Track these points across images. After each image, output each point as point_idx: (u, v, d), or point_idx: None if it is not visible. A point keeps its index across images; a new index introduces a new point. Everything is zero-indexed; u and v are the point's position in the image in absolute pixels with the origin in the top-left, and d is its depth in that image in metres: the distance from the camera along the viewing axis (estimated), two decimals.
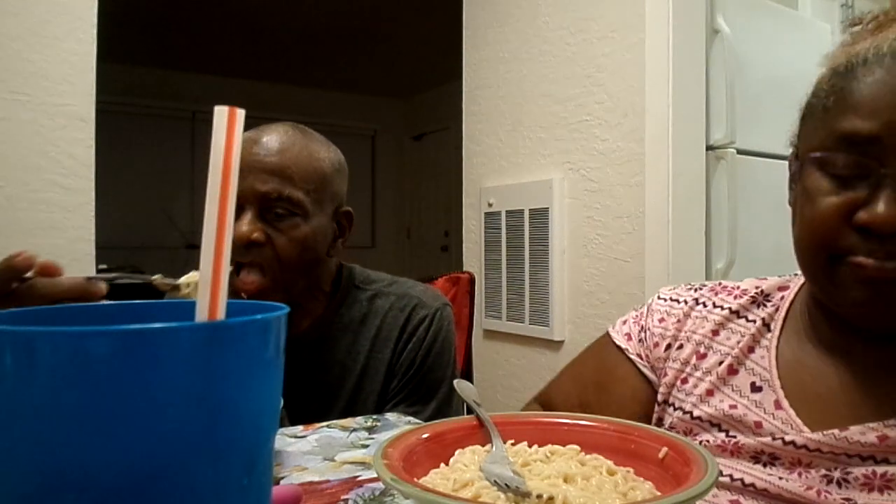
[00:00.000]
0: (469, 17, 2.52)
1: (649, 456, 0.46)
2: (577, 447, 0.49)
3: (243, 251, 0.87)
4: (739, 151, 1.88)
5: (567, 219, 2.09)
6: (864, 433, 0.55)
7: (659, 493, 0.42)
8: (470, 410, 0.55)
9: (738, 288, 0.73)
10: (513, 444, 0.50)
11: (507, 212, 2.28)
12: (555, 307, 2.09)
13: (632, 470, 0.46)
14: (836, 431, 0.56)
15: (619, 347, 0.77)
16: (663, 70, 1.80)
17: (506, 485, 0.40)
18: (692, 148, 1.85)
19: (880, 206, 0.51)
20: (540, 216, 2.14)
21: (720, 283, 0.75)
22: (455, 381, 0.63)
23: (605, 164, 1.97)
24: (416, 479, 0.41)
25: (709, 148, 1.90)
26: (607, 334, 0.80)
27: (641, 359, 0.75)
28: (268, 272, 0.89)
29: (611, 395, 0.75)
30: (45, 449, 0.24)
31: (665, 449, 0.46)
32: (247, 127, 0.32)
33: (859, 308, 0.55)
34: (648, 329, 0.75)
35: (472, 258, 2.47)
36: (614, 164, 1.94)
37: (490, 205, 2.35)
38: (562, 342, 2.11)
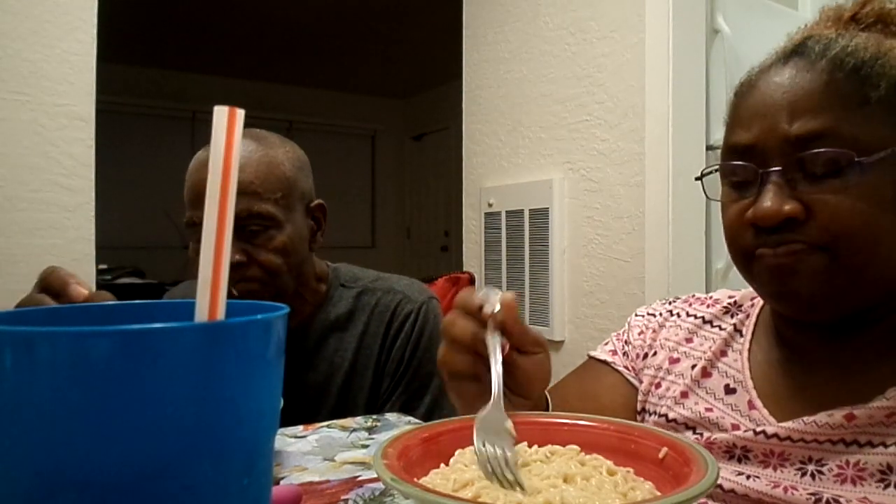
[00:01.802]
0: (469, 17, 2.52)
1: (649, 456, 0.46)
2: (576, 447, 0.49)
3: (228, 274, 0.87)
4: None
5: (567, 219, 2.09)
6: (832, 415, 0.56)
7: (659, 493, 0.42)
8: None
9: (711, 298, 0.76)
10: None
11: (507, 212, 2.28)
12: (555, 307, 2.09)
13: (632, 470, 0.46)
14: (804, 418, 0.58)
15: (603, 361, 0.78)
16: (663, 70, 1.80)
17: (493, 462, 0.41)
18: (692, 148, 1.85)
19: (762, 203, 0.56)
20: (540, 216, 2.14)
21: (693, 295, 0.79)
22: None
23: (605, 164, 1.97)
24: (416, 479, 0.41)
25: (709, 148, 1.90)
26: (591, 358, 0.82)
27: (628, 370, 0.76)
28: (259, 284, 0.91)
29: (599, 402, 0.76)
30: (46, 448, 0.24)
31: (665, 449, 0.46)
32: (246, 127, 0.32)
33: (776, 298, 0.60)
34: (630, 343, 0.78)
35: (472, 258, 2.47)
36: (614, 164, 1.94)
37: (490, 205, 2.35)
38: (562, 342, 2.11)
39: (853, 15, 0.62)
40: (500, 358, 0.53)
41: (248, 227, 0.89)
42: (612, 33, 1.94)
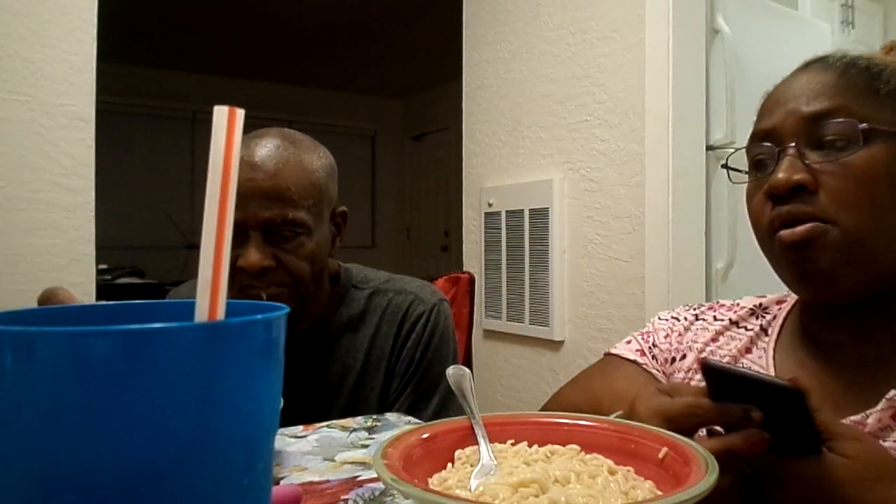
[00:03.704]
0: (469, 17, 2.52)
1: (649, 456, 0.46)
2: (577, 447, 0.49)
3: (257, 278, 0.87)
4: None
5: (567, 219, 2.09)
6: (847, 421, 0.57)
7: (660, 493, 0.42)
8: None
9: (737, 304, 0.77)
10: (513, 444, 0.50)
11: (507, 212, 2.28)
12: (555, 307, 2.09)
13: (632, 469, 0.46)
14: None
15: (632, 361, 0.78)
16: (663, 70, 1.80)
17: None
18: (692, 148, 1.85)
19: (775, 175, 0.61)
20: (540, 216, 2.14)
21: (717, 302, 0.80)
22: (449, 371, 0.62)
23: (605, 164, 1.97)
24: (416, 480, 0.41)
25: (709, 148, 1.90)
26: (611, 355, 0.81)
27: (659, 372, 0.77)
28: (287, 289, 0.90)
29: None
30: (45, 449, 0.24)
31: (665, 449, 0.46)
32: (246, 127, 0.32)
33: (798, 278, 0.62)
34: (657, 346, 0.78)
35: (472, 258, 2.47)
36: (614, 164, 1.94)
37: (490, 205, 2.35)
38: (562, 342, 2.11)
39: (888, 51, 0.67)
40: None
41: (280, 233, 0.88)
42: (612, 33, 1.94)
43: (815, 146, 0.60)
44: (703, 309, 0.79)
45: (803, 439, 0.46)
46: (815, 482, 0.45)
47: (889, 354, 0.61)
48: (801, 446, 0.46)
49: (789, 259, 0.61)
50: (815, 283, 0.61)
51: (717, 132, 1.90)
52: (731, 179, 0.70)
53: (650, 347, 0.78)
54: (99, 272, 2.02)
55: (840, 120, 0.59)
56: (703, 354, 0.73)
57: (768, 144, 0.63)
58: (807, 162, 0.60)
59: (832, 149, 0.59)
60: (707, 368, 0.49)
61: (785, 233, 0.60)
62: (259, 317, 0.28)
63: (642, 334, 0.80)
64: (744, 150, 0.68)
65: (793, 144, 0.61)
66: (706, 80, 1.89)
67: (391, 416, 0.88)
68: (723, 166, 0.72)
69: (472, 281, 1.33)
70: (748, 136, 0.68)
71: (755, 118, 0.68)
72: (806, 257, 0.59)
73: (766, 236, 0.63)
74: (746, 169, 0.68)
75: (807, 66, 0.65)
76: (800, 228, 0.59)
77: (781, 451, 0.46)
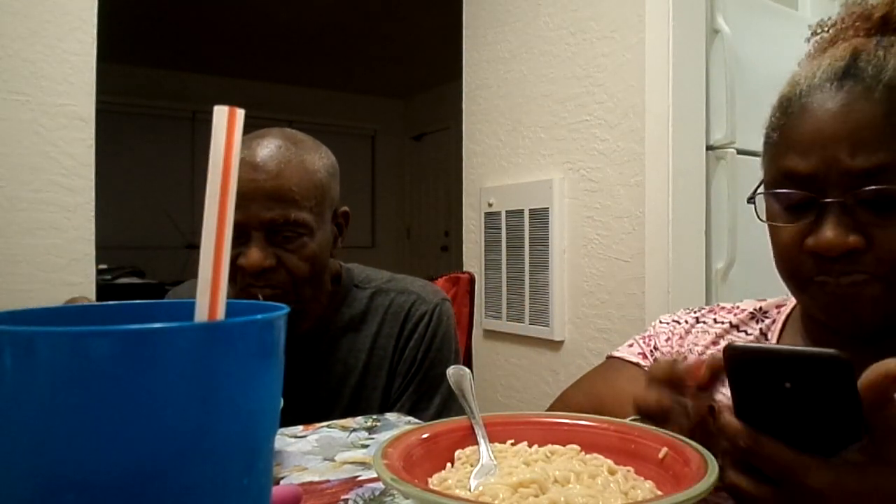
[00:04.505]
0: (469, 17, 2.52)
1: (649, 456, 0.46)
2: (577, 447, 0.49)
3: (257, 277, 0.87)
4: (739, 151, 1.88)
5: (567, 219, 2.09)
6: None
7: (660, 493, 0.42)
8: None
9: (738, 307, 0.77)
10: (513, 444, 0.50)
11: (507, 212, 2.28)
12: (555, 307, 2.09)
13: (632, 469, 0.46)
14: None
15: (635, 364, 0.78)
16: (663, 70, 1.80)
17: None
18: (692, 148, 1.85)
19: (824, 233, 0.56)
20: (540, 216, 2.14)
21: (718, 305, 0.80)
22: (450, 371, 0.62)
23: (605, 164, 1.97)
24: (416, 480, 0.41)
25: (709, 148, 1.90)
26: (613, 358, 0.81)
27: None
28: (283, 290, 0.90)
29: None
30: (45, 449, 0.24)
31: (665, 449, 0.46)
32: (246, 127, 0.32)
33: (832, 318, 0.61)
34: (658, 349, 0.78)
35: (472, 258, 2.47)
36: (614, 164, 1.94)
37: (490, 205, 2.35)
38: (562, 342, 2.11)
39: (883, 15, 0.61)
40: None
41: (283, 234, 0.88)
42: (612, 33, 1.94)
43: (864, 202, 0.56)
44: (703, 312, 0.79)
45: (843, 424, 0.41)
46: (858, 498, 0.40)
47: (889, 355, 0.61)
48: (841, 434, 0.42)
49: (828, 306, 0.60)
50: (850, 327, 0.61)
51: (717, 132, 1.90)
52: (759, 218, 0.64)
53: (651, 351, 0.78)
54: (99, 272, 2.02)
55: (894, 187, 0.54)
56: (704, 357, 0.73)
57: (807, 193, 0.58)
58: (855, 220, 0.56)
59: (882, 208, 0.55)
60: (732, 354, 0.44)
61: (828, 281, 0.57)
62: (259, 317, 0.28)
63: (644, 338, 0.80)
64: (765, 169, 0.64)
65: (839, 200, 0.56)
66: (706, 80, 1.88)
67: (391, 416, 0.88)
68: (748, 201, 0.66)
69: (472, 281, 1.34)
70: (774, 165, 0.62)
71: (775, 134, 0.63)
72: (844, 308, 0.58)
73: (801, 281, 0.61)
74: (762, 188, 0.63)
75: (839, 82, 0.58)
76: (845, 280, 0.57)
77: (817, 444, 0.42)
